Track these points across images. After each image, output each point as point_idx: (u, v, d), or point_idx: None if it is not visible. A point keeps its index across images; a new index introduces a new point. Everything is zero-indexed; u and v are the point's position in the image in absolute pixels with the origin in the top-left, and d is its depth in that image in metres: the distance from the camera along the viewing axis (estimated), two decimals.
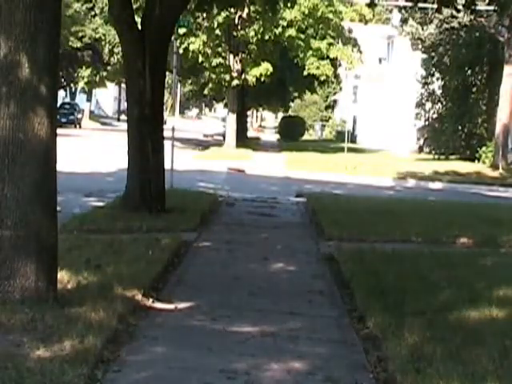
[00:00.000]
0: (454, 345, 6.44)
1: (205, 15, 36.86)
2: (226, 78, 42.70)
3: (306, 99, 72.03)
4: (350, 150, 44.38)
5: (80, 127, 61.03)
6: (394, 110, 55.69)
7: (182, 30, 31.81)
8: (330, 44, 43.83)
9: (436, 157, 46.13)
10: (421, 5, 23.46)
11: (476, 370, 5.83)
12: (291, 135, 63.58)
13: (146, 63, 13.99)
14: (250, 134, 67.63)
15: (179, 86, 44.67)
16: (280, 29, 40.89)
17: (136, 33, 14.18)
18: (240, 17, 40.80)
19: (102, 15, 47.19)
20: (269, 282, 9.35)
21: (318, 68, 43.53)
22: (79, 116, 63.90)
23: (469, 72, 44.65)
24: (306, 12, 40.82)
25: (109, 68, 60.87)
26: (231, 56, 42.83)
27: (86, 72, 64.40)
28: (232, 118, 45.16)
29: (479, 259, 10.92)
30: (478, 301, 8.03)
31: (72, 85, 69.77)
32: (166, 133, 15.48)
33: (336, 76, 51.46)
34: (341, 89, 69.96)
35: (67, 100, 68.45)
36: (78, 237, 11.08)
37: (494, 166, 37.64)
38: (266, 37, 40.95)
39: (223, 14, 37.53)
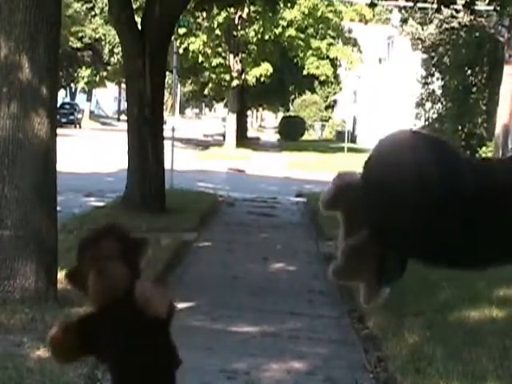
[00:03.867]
0: (454, 345, 6.44)
1: (205, 15, 36.88)
2: (225, 77, 42.68)
3: (306, 99, 71.96)
4: (350, 150, 44.37)
5: (80, 127, 60.88)
6: (393, 110, 55.62)
7: (182, 30, 31.84)
8: (330, 44, 43.86)
9: None
10: (421, 5, 23.45)
11: (476, 370, 5.83)
12: (291, 135, 63.49)
13: (146, 63, 13.98)
14: (250, 133, 67.60)
15: (179, 85, 44.59)
16: (280, 29, 40.89)
17: (136, 33, 14.17)
18: (240, 17, 40.79)
19: (102, 15, 47.07)
20: (269, 282, 9.35)
21: (317, 68, 43.55)
22: (79, 116, 63.78)
23: (469, 72, 44.61)
24: (306, 12, 40.84)
25: (109, 68, 60.81)
26: (231, 56, 42.80)
27: (85, 72, 64.29)
28: (232, 118, 45.14)
29: None
30: (478, 301, 8.03)
31: (72, 85, 69.72)
32: (166, 133, 15.49)
33: (336, 76, 51.44)
34: (341, 89, 69.85)
35: (67, 100, 68.32)
36: (78, 237, 11.07)
37: None
38: (266, 37, 40.95)
39: (223, 14, 37.51)
